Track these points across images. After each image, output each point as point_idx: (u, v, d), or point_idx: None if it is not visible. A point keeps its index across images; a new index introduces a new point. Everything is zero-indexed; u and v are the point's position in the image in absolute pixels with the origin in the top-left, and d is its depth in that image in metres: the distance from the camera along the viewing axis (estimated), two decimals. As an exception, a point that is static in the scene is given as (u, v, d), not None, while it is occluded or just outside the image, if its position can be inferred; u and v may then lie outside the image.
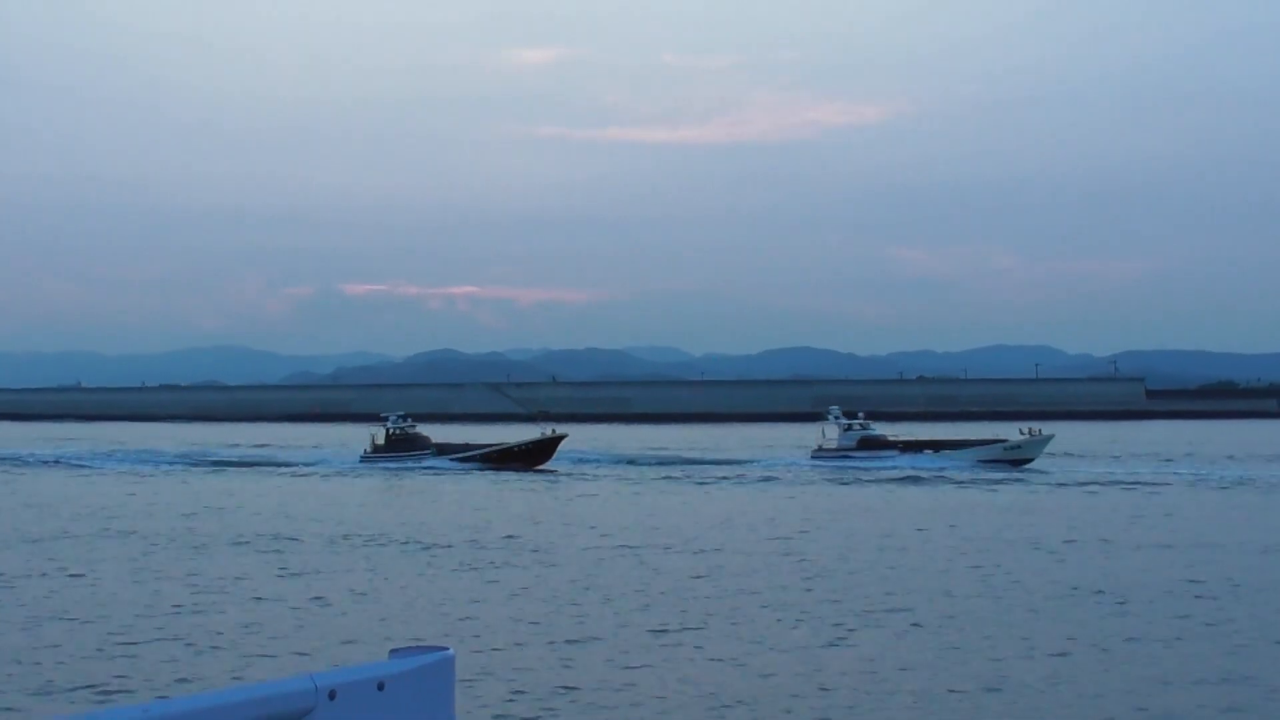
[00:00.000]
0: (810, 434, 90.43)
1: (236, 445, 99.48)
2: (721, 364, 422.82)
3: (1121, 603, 26.62)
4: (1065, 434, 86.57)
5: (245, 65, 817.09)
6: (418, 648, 4.92)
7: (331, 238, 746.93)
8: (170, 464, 78.19)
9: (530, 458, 74.87)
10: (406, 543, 37.53)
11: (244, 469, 74.27)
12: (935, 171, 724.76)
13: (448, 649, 4.93)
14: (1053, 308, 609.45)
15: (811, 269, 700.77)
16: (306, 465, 76.36)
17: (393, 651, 4.90)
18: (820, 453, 78.24)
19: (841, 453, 76.68)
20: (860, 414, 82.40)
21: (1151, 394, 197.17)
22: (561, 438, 76.61)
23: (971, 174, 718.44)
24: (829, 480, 63.75)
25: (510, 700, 18.83)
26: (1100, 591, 27.96)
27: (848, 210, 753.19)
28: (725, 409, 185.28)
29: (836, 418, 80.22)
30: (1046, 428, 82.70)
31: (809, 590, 28.44)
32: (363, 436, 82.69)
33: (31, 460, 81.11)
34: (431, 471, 71.51)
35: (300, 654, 21.95)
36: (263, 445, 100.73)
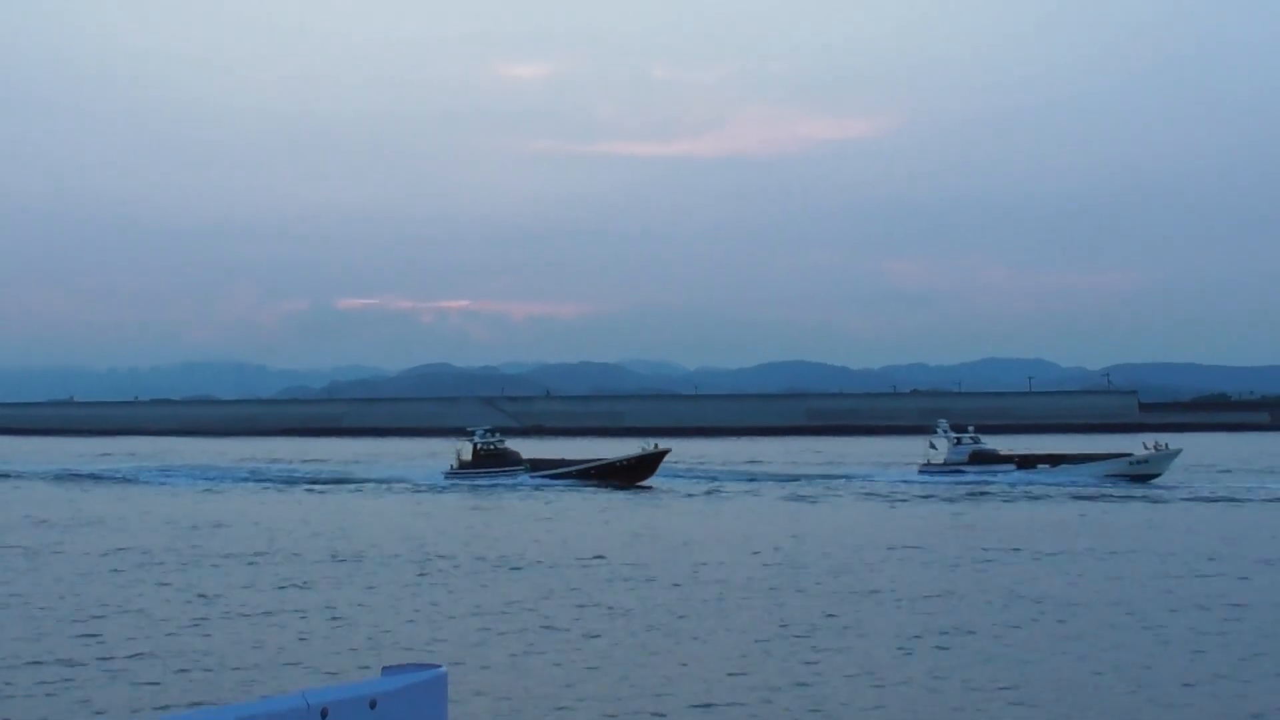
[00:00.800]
0: (802, 446, 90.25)
1: (309, 461, 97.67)
2: (715, 378, 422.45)
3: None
4: (1062, 447, 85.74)
5: (239, 81, 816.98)
6: (411, 665, 4.92)
7: (325, 252, 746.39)
8: (243, 480, 76.86)
9: (631, 474, 72.33)
10: (485, 560, 36.79)
11: (328, 486, 71.72)
12: (927, 185, 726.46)
13: (440, 666, 4.93)
14: (1046, 321, 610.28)
15: (804, 282, 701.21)
16: (389, 482, 73.93)
17: (385, 669, 4.90)
18: (929, 467, 74.71)
19: (953, 467, 73.23)
20: (970, 427, 78.85)
21: (1144, 407, 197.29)
22: (664, 453, 73.99)
23: (963, 187, 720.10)
24: (956, 496, 60.46)
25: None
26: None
27: (840, 224, 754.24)
28: (720, 422, 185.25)
29: (945, 431, 76.81)
30: (1040, 441, 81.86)
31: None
32: (385, 451, 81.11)
33: (113, 476, 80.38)
34: (525, 489, 68.75)
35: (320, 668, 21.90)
36: (293, 460, 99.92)
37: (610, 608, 28.25)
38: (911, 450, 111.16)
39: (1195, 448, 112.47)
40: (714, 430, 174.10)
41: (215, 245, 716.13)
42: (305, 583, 32.54)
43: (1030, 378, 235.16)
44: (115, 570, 35.58)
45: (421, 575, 34.06)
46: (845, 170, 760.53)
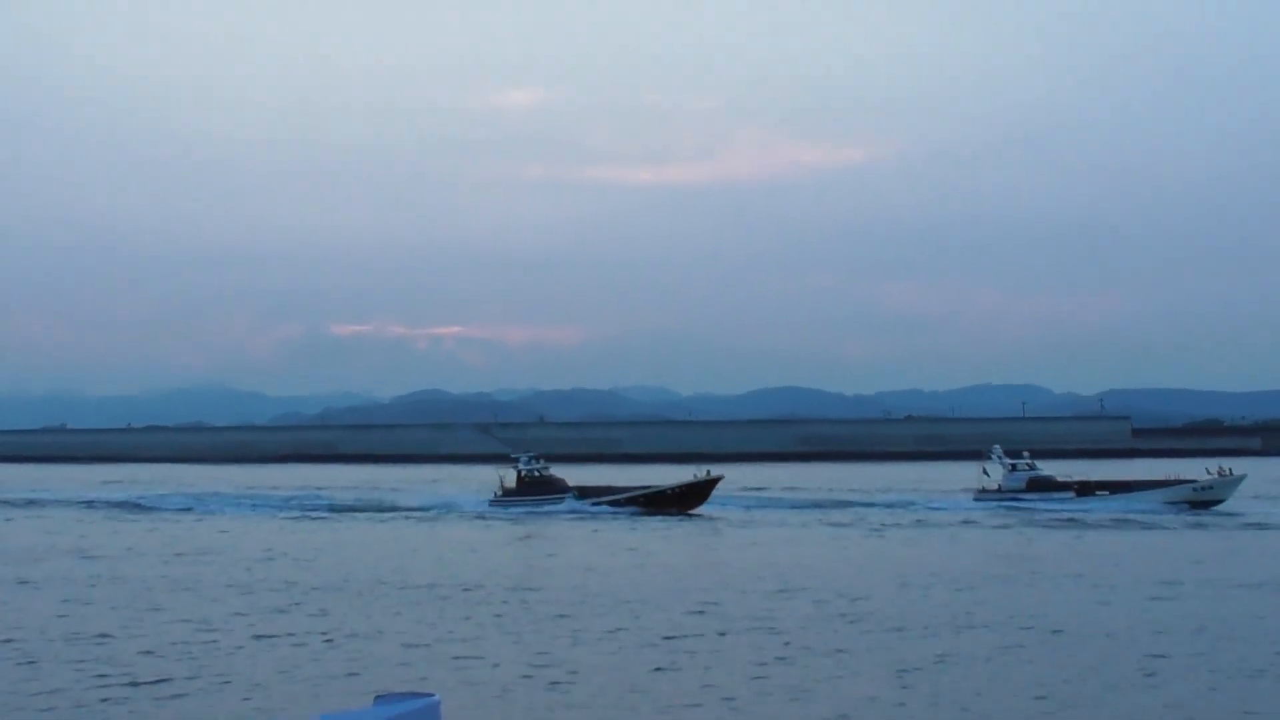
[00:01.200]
0: (805, 473, 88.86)
1: (334, 488, 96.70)
2: (710, 403, 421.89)
3: None
4: (1053, 472, 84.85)
5: (230, 107, 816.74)
6: (403, 694, 5.02)
7: (317, 278, 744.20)
8: (283, 508, 75.23)
9: (683, 501, 70.88)
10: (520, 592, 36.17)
11: (367, 515, 69.70)
12: (920, 211, 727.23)
13: (433, 695, 5.04)
14: (1038, 346, 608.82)
15: (798, 308, 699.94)
16: (429, 510, 72.34)
17: (378, 698, 5.01)
18: (984, 494, 72.97)
19: (1010, 495, 71.63)
20: (1025, 453, 77.54)
21: (1137, 432, 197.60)
22: (717, 480, 72.10)
23: (956, 213, 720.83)
24: (1019, 524, 58.90)
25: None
26: None
27: (834, 250, 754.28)
28: (715, 449, 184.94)
29: (1000, 457, 75.08)
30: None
31: None
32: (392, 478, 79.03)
33: (154, 505, 78.37)
34: (572, 516, 67.35)
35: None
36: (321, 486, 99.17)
37: (626, 637, 28.28)
38: (911, 476, 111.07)
39: (1191, 473, 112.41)
40: (709, 457, 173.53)
41: (208, 271, 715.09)
42: (313, 610, 32.52)
43: (1024, 403, 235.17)
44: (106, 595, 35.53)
45: (426, 602, 33.87)
46: (839, 196, 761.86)
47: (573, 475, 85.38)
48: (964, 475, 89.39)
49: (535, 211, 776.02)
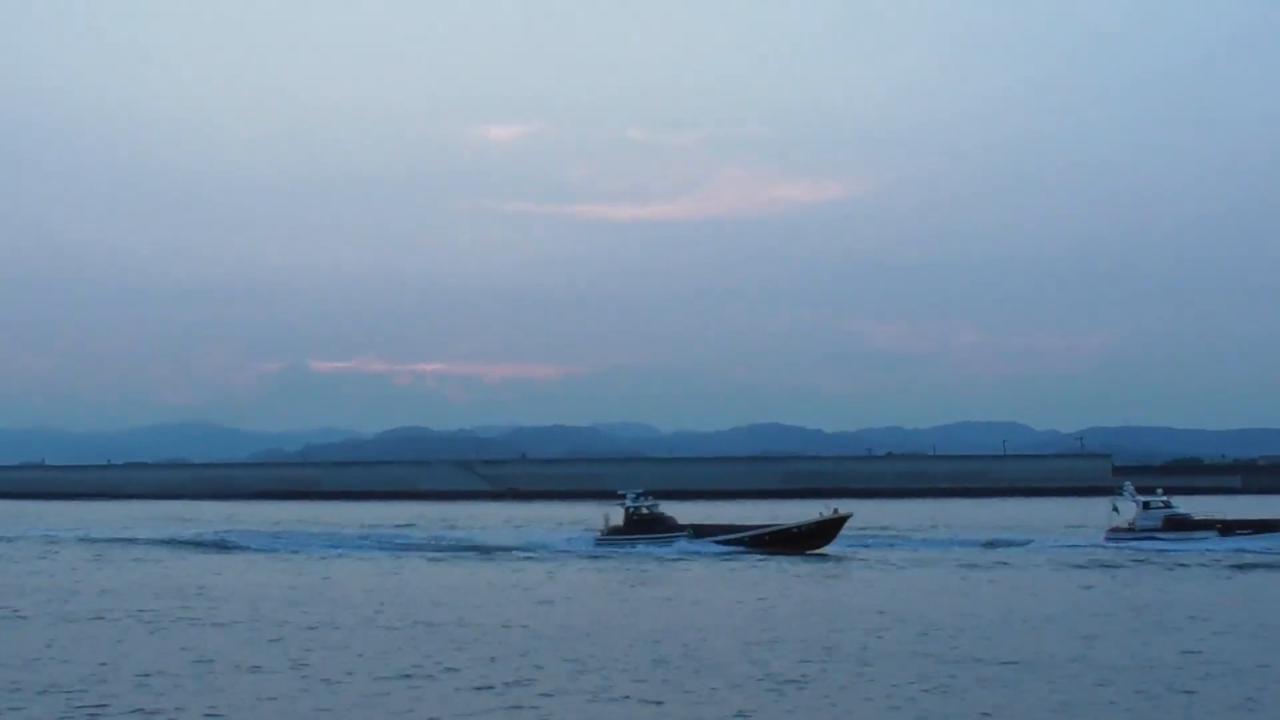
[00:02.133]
0: (797, 509, 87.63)
1: (413, 525, 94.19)
2: (691, 440, 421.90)
3: None
4: (1035, 510, 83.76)
5: (213, 140, 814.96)
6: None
7: (299, 314, 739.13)
8: (357, 548, 71.34)
9: (806, 541, 67.53)
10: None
11: (484, 557, 65.54)
12: (903, 248, 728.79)
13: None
14: (1020, 384, 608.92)
15: (779, 345, 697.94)
16: (530, 549, 69.19)
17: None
18: (1117, 533, 69.52)
19: (1147, 534, 68.09)
20: (1159, 489, 74.61)
21: (1118, 470, 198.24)
22: (845, 518, 68.62)
23: (938, 251, 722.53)
24: (1171, 565, 55.81)
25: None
26: None
27: (815, 286, 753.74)
28: (697, 486, 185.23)
29: (1132, 495, 71.82)
30: (1014, 504, 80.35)
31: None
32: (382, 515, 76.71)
33: (242, 544, 74.50)
34: (685, 557, 64.04)
35: None
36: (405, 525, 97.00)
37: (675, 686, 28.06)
38: (890, 515, 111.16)
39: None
40: (691, 493, 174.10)
41: (188, 307, 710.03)
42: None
43: (1004, 441, 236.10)
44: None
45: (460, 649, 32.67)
46: (821, 232, 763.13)
47: (566, 511, 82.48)
48: (950, 512, 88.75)
49: (517, 247, 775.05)
